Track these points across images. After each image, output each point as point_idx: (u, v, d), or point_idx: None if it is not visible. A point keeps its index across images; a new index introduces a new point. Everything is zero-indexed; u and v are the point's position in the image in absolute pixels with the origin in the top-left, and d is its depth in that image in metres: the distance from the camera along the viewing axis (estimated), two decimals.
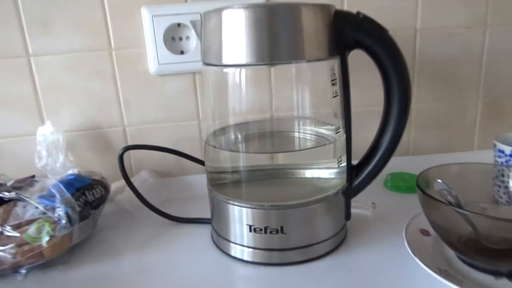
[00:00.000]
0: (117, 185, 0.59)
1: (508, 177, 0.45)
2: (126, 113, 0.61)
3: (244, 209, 0.43)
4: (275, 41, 0.38)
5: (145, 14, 0.56)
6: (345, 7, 0.60)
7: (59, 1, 0.56)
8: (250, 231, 0.42)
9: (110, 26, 0.57)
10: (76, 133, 0.61)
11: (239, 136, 0.47)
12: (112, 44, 0.58)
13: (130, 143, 0.62)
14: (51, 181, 0.50)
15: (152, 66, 0.58)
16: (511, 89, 0.68)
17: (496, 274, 0.38)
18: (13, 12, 0.55)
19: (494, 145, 0.50)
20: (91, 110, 0.60)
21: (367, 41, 0.41)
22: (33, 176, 0.61)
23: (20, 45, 0.56)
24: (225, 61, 0.39)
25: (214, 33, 0.40)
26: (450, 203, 0.40)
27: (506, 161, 0.48)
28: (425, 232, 0.44)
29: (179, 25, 0.57)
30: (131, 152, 0.63)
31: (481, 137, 0.70)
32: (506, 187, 0.45)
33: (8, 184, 0.59)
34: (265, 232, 0.42)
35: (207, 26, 0.41)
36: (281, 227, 0.41)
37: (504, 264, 0.38)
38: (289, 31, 0.38)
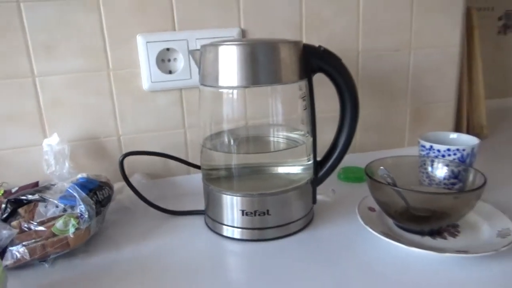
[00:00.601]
0: (115, 186, 0.68)
1: (428, 165, 0.61)
2: (121, 124, 0.70)
3: (235, 197, 0.54)
4: (259, 70, 0.50)
5: (140, 40, 0.66)
6: (304, 36, 0.74)
7: (63, 29, 0.63)
8: (243, 215, 0.54)
9: (108, 51, 0.66)
10: (76, 143, 0.68)
11: (230, 140, 0.59)
12: (110, 65, 0.67)
13: (124, 150, 0.71)
14: (66, 184, 0.59)
15: (146, 84, 0.68)
16: (431, 98, 0.84)
17: (421, 233, 0.53)
18: (21, 38, 0.62)
19: (419, 142, 0.66)
20: (89, 122, 0.68)
21: (326, 67, 0.54)
22: (37, 183, 0.68)
23: (27, 67, 0.63)
24: (221, 84, 0.51)
25: (213, 62, 0.51)
26: (389, 184, 0.55)
27: (427, 153, 0.64)
28: (371, 209, 0.58)
29: (168, 49, 0.68)
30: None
31: (410, 136, 0.86)
32: (427, 173, 0.61)
33: (13, 190, 0.66)
34: (255, 215, 0.54)
35: (206, 56, 0.52)
36: (267, 210, 0.54)
37: (426, 226, 0.53)
38: (270, 62, 0.50)
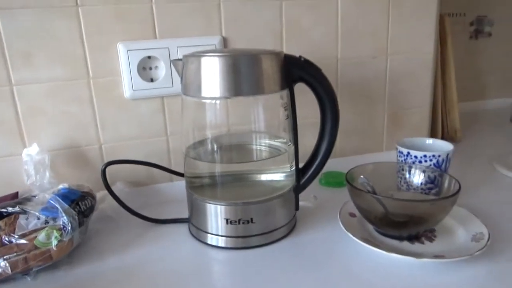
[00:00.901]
0: (98, 196, 0.67)
1: (405, 171, 0.63)
2: (102, 133, 0.69)
3: (220, 206, 0.55)
4: (242, 81, 0.51)
5: (121, 49, 0.66)
6: (284, 43, 0.75)
7: (41, 37, 0.62)
8: (227, 223, 0.55)
9: (88, 59, 0.65)
10: (56, 152, 0.67)
11: (213, 148, 0.60)
12: (91, 73, 0.66)
13: (105, 159, 0.70)
14: (47, 195, 0.58)
15: (127, 92, 0.68)
16: (407, 104, 0.87)
17: (400, 238, 0.55)
18: None
19: (396, 148, 0.68)
20: (69, 131, 0.67)
21: (307, 77, 0.55)
22: (17, 193, 0.67)
23: (4, 75, 0.62)
24: (204, 94, 0.52)
25: (195, 73, 0.52)
26: (369, 191, 0.56)
27: (404, 159, 0.66)
28: (352, 215, 0.60)
29: (149, 57, 0.68)
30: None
31: (388, 140, 0.88)
32: (405, 178, 0.63)
33: None
34: (239, 223, 0.55)
35: (188, 67, 0.52)
36: (251, 218, 0.55)
37: (404, 231, 0.55)
38: (252, 73, 0.51)
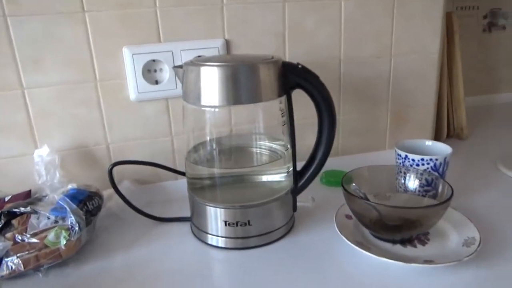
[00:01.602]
0: (105, 194, 0.70)
1: (403, 174, 0.64)
2: (109, 133, 0.72)
3: (219, 209, 0.57)
4: (240, 89, 0.52)
5: (126, 53, 0.68)
6: (287, 45, 0.75)
7: (50, 43, 0.65)
8: (226, 225, 0.57)
9: (95, 63, 0.68)
10: (66, 152, 0.70)
11: (212, 152, 0.62)
12: (97, 77, 0.68)
13: (113, 158, 0.73)
14: (56, 196, 0.61)
15: (133, 94, 0.70)
16: (410, 102, 0.87)
17: (393, 242, 0.56)
18: (9, 52, 0.64)
19: (395, 150, 0.69)
20: (78, 132, 0.70)
21: (304, 83, 0.56)
22: (29, 191, 0.70)
23: (15, 80, 0.65)
24: (203, 103, 0.53)
25: (195, 82, 0.53)
26: (361, 198, 0.58)
27: (402, 162, 0.67)
28: (348, 217, 0.61)
29: (154, 60, 0.70)
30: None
31: (390, 139, 0.88)
32: (402, 181, 0.64)
33: (6, 198, 0.69)
34: (237, 225, 0.57)
35: (188, 76, 0.54)
36: (248, 221, 0.57)
37: (398, 235, 0.56)
38: (251, 82, 0.52)
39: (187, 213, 0.64)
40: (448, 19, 0.91)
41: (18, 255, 0.53)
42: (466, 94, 0.97)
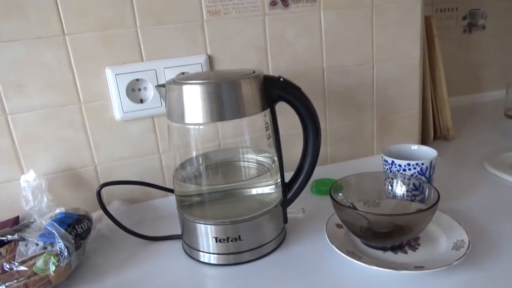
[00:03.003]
0: (94, 215, 0.70)
1: (389, 180, 0.64)
2: (96, 154, 0.72)
3: (209, 226, 0.57)
4: (223, 106, 0.52)
5: (109, 73, 0.68)
6: (269, 57, 0.76)
7: (32, 67, 0.65)
8: (216, 241, 0.57)
9: (78, 84, 0.68)
10: (53, 175, 0.70)
11: (199, 168, 0.62)
12: (81, 98, 0.68)
13: (101, 179, 0.73)
14: (44, 222, 0.60)
15: (118, 114, 0.70)
16: (396, 108, 0.88)
17: (384, 249, 0.57)
18: None
19: (382, 156, 0.70)
20: (65, 154, 0.70)
21: (286, 96, 0.56)
22: (18, 217, 0.70)
23: None
24: (187, 121, 0.53)
25: (177, 100, 0.53)
26: (349, 207, 0.58)
27: (389, 168, 0.68)
28: (339, 226, 0.62)
29: (137, 79, 0.70)
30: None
31: (378, 144, 0.89)
32: (390, 187, 0.65)
33: None
34: (227, 241, 0.57)
35: (171, 94, 0.54)
36: (239, 236, 0.57)
37: (388, 242, 0.56)
38: (233, 98, 0.53)
39: (178, 231, 0.64)
40: (427, 23, 0.93)
41: (6, 284, 0.53)
42: (449, 95, 0.98)
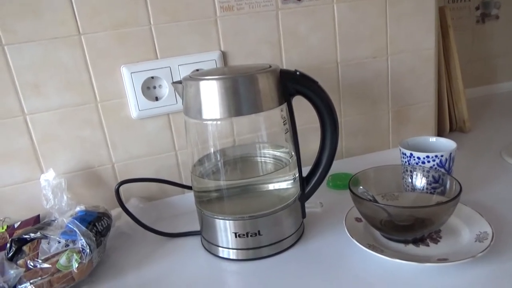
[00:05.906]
0: (113, 213, 0.70)
1: (408, 173, 0.64)
2: (113, 153, 0.72)
3: (228, 221, 0.57)
4: (240, 101, 0.52)
5: (125, 72, 0.68)
6: (283, 52, 0.76)
7: (49, 67, 0.65)
8: (236, 237, 0.57)
9: (94, 84, 0.68)
10: (72, 174, 0.71)
11: (218, 164, 0.62)
12: (98, 97, 0.69)
13: (118, 177, 0.73)
14: (65, 220, 0.61)
15: (134, 112, 0.70)
16: (411, 100, 0.87)
17: (405, 242, 0.56)
18: (8, 80, 0.64)
19: (400, 149, 0.69)
20: (83, 153, 0.71)
21: (303, 90, 0.56)
22: (38, 216, 0.70)
23: (17, 106, 0.65)
24: (205, 117, 0.53)
25: (195, 96, 0.53)
26: (370, 200, 0.57)
27: (407, 161, 0.67)
28: (358, 220, 0.61)
29: (152, 77, 0.70)
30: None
31: (394, 138, 0.88)
32: (409, 180, 0.64)
33: (16, 225, 0.69)
34: (247, 236, 0.57)
35: (188, 90, 0.54)
36: (258, 231, 0.57)
37: (409, 234, 0.56)
38: (250, 92, 0.53)
39: (197, 227, 0.64)
40: (441, 13, 0.92)
41: (31, 281, 0.53)
42: (465, 86, 0.97)
